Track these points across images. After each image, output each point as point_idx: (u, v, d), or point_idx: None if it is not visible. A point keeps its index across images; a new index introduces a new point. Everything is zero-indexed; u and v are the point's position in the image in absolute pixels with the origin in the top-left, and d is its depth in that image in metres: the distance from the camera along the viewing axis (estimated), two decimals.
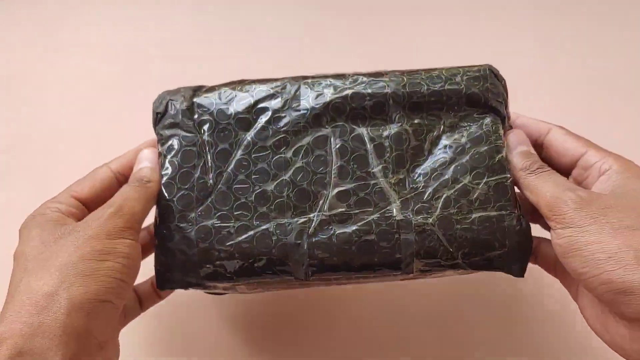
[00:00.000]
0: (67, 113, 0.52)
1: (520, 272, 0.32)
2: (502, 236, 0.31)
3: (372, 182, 0.33)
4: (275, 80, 0.35)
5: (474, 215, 0.32)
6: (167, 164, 0.34)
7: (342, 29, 0.59)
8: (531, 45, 0.56)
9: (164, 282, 0.33)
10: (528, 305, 0.44)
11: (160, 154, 0.35)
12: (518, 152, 0.33)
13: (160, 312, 0.43)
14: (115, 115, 0.53)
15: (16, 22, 0.57)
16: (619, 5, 0.59)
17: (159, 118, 0.35)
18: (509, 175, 0.32)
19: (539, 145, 0.34)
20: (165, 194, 0.33)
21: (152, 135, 0.51)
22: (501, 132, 0.34)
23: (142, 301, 0.37)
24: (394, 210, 0.32)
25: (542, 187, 0.30)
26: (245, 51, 0.58)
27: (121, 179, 0.35)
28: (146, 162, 0.34)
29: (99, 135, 0.51)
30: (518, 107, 0.37)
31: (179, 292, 0.44)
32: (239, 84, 0.35)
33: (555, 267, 0.34)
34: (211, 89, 0.36)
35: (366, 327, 0.44)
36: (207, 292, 0.42)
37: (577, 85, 0.54)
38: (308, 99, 0.34)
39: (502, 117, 0.34)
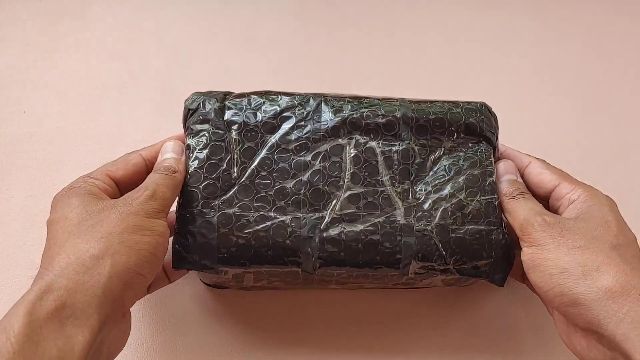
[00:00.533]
0: (67, 113, 0.52)
1: (501, 282, 0.37)
2: (489, 247, 0.36)
3: (380, 189, 0.37)
4: (299, 94, 0.40)
5: (466, 227, 0.36)
6: (195, 154, 0.37)
7: (340, 33, 0.59)
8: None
9: (181, 262, 0.35)
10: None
11: (189, 146, 0.38)
12: (505, 179, 0.38)
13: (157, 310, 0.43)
14: (115, 115, 0.53)
15: (16, 22, 0.57)
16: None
17: (191, 113, 0.39)
18: (496, 197, 0.37)
19: (520, 175, 0.39)
20: (192, 181, 0.36)
21: (154, 134, 0.52)
22: (492, 159, 0.39)
23: (151, 283, 0.38)
24: (398, 215, 0.36)
25: (518, 211, 0.35)
26: (245, 51, 0.58)
27: (150, 166, 0.37)
28: (171, 153, 0.37)
29: (99, 135, 0.51)
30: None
31: (173, 290, 0.44)
32: (266, 94, 0.39)
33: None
34: (241, 95, 0.39)
35: (361, 332, 0.44)
36: (209, 284, 0.42)
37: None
38: (328, 113, 0.38)
39: (493, 147, 0.40)
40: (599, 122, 0.56)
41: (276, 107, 0.38)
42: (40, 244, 0.45)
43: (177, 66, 0.56)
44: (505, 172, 0.39)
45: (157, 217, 0.33)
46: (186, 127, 0.39)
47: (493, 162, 0.39)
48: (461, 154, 0.39)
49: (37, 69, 0.55)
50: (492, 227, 0.36)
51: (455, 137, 0.39)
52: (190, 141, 0.38)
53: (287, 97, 0.39)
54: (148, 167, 0.37)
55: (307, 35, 0.59)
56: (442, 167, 0.38)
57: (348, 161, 0.37)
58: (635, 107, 0.57)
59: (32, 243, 0.46)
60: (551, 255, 0.32)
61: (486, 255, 0.36)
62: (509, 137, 0.43)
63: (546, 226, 0.33)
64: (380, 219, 0.36)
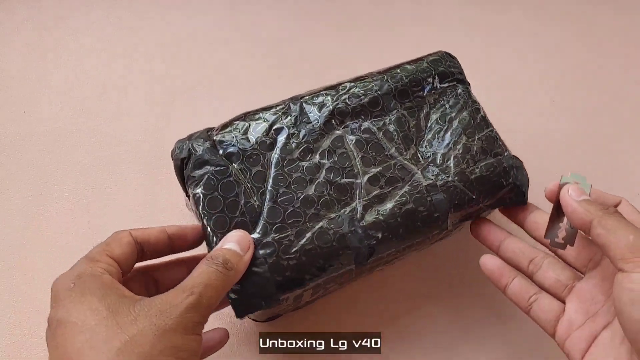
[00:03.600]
0: (67, 113, 0.52)
1: (524, 200, 0.39)
2: (505, 175, 0.38)
3: (393, 162, 0.38)
4: (277, 105, 0.39)
5: (480, 165, 0.38)
6: (207, 202, 0.35)
7: (335, 36, 0.59)
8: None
9: (243, 309, 0.33)
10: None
11: (196, 196, 0.35)
12: (582, 199, 0.33)
13: None
14: (115, 115, 0.53)
15: (16, 22, 0.57)
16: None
17: (185, 163, 0.36)
18: (492, 128, 0.40)
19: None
20: (218, 227, 0.34)
21: (154, 134, 0.52)
22: (474, 96, 0.41)
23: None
24: (419, 179, 0.37)
25: (622, 229, 0.30)
26: (244, 51, 0.58)
27: (139, 248, 0.33)
28: (235, 244, 0.32)
29: (99, 135, 0.51)
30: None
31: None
32: (245, 116, 0.38)
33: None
34: (223, 126, 0.38)
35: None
36: (263, 321, 0.42)
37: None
38: (314, 112, 0.38)
39: (467, 85, 0.42)
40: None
41: (264, 123, 0.38)
42: (40, 243, 0.46)
43: (177, 66, 0.56)
44: (580, 193, 0.33)
45: (194, 333, 0.28)
46: (185, 178, 0.36)
47: (475, 99, 0.41)
48: (445, 103, 0.40)
49: (37, 69, 0.55)
50: (499, 156, 0.39)
51: (433, 89, 0.41)
52: (197, 190, 0.35)
53: (269, 112, 0.38)
54: (138, 249, 0.32)
55: (304, 36, 0.59)
56: (435, 121, 0.40)
57: (352, 148, 0.38)
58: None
59: (32, 243, 0.46)
60: None
61: (505, 182, 0.38)
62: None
63: None
64: (405, 189, 0.37)
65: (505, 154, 0.39)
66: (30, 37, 0.56)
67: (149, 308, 0.27)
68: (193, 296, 0.28)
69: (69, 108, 0.53)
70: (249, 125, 0.37)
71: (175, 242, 0.34)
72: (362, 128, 0.38)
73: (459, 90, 0.41)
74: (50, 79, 0.54)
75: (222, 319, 0.43)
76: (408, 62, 0.42)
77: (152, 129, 0.52)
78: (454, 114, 0.40)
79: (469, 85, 0.42)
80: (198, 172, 0.35)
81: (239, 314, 0.33)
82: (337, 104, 0.39)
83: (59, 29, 0.57)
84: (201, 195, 0.35)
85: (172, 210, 0.48)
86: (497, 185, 0.38)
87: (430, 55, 0.43)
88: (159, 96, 0.54)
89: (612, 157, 0.54)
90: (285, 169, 0.36)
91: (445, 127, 0.40)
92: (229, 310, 0.35)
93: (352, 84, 0.40)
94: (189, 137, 0.37)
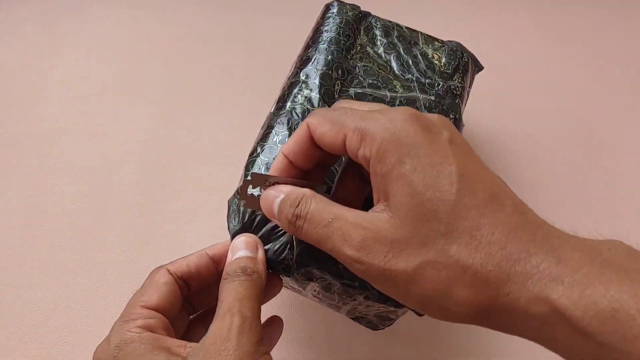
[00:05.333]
0: (67, 113, 0.52)
1: (481, 65, 0.45)
2: (461, 54, 0.42)
3: (397, 102, 0.39)
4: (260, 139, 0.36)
5: (442, 59, 0.42)
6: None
7: None
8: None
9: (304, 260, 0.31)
10: None
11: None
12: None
13: None
14: (115, 115, 0.53)
15: (16, 22, 0.57)
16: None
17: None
18: (419, 31, 0.43)
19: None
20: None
21: (154, 134, 0.52)
22: (383, 19, 0.44)
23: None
24: (425, 99, 0.39)
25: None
26: (244, 51, 0.58)
27: (182, 284, 0.30)
28: (244, 251, 0.30)
29: (99, 135, 0.51)
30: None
31: None
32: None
33: None
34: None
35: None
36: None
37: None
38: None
39: (369, 14, 0.44)
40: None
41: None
42: (40, 244, 0.46)
43: (177, 66, 0.56)
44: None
45: (261, 353, 0.25)
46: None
47: (384, 19, 0.44)
48: (376, 34, 0.42)
49: (37, 69, 0.55)
50: (444, 45, 0.42)
51: (357, 32, 0.42)
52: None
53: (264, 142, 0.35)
54: (179, 284, 0.29)
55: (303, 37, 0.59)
56: (384, 53, 0.41)
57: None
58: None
59: (32, 243, 0.46)
60: None
61: (466, 58, 0.42)
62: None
63: None
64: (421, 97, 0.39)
65: (445, 40, 0.42)
66: (30, 37, 0.56)
67: (204, 355, 0.24)
68: (235, 316, 0.25)
69: (69, 108, 0.53)
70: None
71: (220, 264, 0.30)
72: (352, 93, 0.38)
73: (371, 20, 0.43)
74: (50, 79, 0.54)
75: None
76: (324, 30, 0.42)
77: (152, 128, 0.52)
78: (390, 39, 0.42)
79: (370, 13, 0.44)
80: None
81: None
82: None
83: (59, 29, 0.57)
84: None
85: (172, 210, 0.48)
86: (465, 63, 0.42)
87: (329, 14, 0.43)
88: (159, 95, 0.54)
89: (612, 156, 0.54)
90: None
91: (395, 52, 0.41)
92: None
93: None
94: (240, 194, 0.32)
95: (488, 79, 0.52)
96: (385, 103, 0.37)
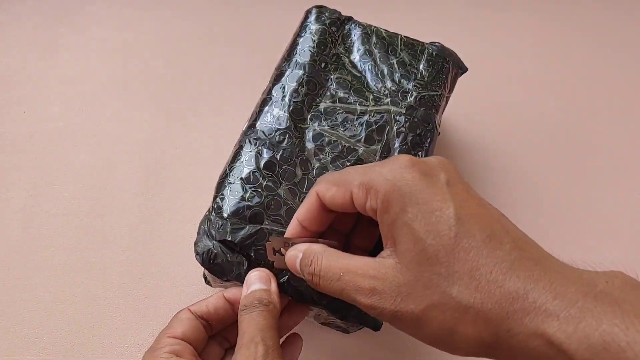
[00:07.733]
0: (67, 113, 0.52)
1: (465, 66, 0.44)
2: (444, 57, 0.41)
3: (366, 116, 0.38)
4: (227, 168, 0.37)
5: (420, 65, 0.41)
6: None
7: None
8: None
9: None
10: None
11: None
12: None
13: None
14: (115, 115, 0.53)
15: (16, 22, 0.57)
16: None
17: (211, 264, 0.35)
18: (399, 34, 0.42)
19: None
20: None
21: (154, 134, 0.52)
22: (362, 23, 0.43)
23: None
24: (396, 111, 0.38)
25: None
26: (244, 51, 0.58)
27: (204, 322, 0.32)
28: (258, 284, 0.32)
29: (99, 135, 0.51)
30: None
31: None
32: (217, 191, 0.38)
33: None
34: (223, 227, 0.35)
35: None
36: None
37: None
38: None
39: (350, 18, 0.43)
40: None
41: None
42: (39, 244, 0.46)
43: (177, 66, 0.56)
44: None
45: None
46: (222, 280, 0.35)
47: (364, 23, 0.43)
48: (354, 42, 0.41)
49: (37, 69, 0.55)
50: (426, 49, 0.41)
51: (336, 41, 0.41)
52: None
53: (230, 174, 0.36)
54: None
55: None
56: (361, 62, 0.41)
57: (330, 131, 0.37)
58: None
59: (32, 243, 0.46)
60: None
61: (446, 62, 0.41)
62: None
63: None
64: (395, 125, 0.38)
65: (425, 44, 0.41)
66: (30, 37, 0.56)
67: None
68: (260, 345, 0.28)
69: (69, 108, 0.53)
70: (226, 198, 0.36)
71: (236, 305, 0.32)
72: (322, 108, 0.38)
73: (351, 26, 0.42)
74: (51, 79, 0.54)
75: None
76: (300, 41, 0.41)
77: (152, 128, 0.52)
78: (368, 46, 0.41)
79: (352, 18, 0.43)
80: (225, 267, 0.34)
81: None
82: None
83: (59, 29, 0.57)
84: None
85: (172, 210, 0.48)
86: (444, 69, 0.41)
87: (306, 22, 0.42)
88: (159, 95, 0.54)
89: (612, 157, 0.54)
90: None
91: (371, 61, 0.40)
92: None
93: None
94: (201, 236, 0.35)
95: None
96: (355, 116, 0.38)
